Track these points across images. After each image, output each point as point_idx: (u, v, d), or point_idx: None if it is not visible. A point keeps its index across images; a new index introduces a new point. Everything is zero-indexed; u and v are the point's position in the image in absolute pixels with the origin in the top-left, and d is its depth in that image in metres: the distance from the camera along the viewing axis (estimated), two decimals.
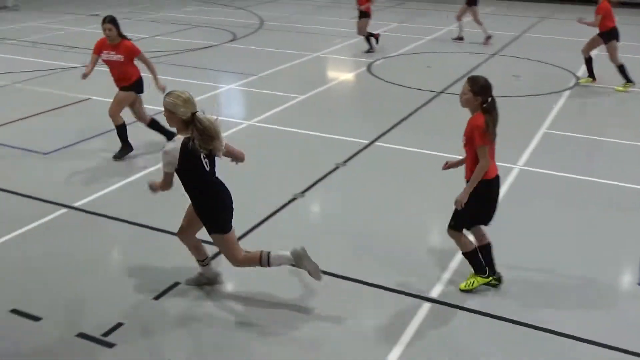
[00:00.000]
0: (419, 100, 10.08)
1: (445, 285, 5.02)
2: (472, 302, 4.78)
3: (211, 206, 4.57)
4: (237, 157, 4.85)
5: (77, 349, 4.25)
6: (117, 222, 6.06)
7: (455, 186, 4.91)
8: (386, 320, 4.59)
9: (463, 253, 4.93)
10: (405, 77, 11.45)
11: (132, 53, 7.49)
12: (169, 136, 7.56)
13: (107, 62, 7.57)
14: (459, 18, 14.49)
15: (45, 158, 7.62)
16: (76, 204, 6.36)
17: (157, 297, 4.83)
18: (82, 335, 4.36)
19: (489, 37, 14.29)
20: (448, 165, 5.09)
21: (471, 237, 4.92)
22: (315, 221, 6.43)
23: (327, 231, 6.03)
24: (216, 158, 4.56)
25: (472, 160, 4.66)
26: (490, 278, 4.95)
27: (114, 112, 7.53)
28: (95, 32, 15.42)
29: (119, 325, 4.48)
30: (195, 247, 4.92)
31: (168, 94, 4.41)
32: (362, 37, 13.50)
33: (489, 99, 4.55)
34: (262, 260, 4.65)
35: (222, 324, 4.53)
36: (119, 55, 7.44)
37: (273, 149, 7.97)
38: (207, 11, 19.10)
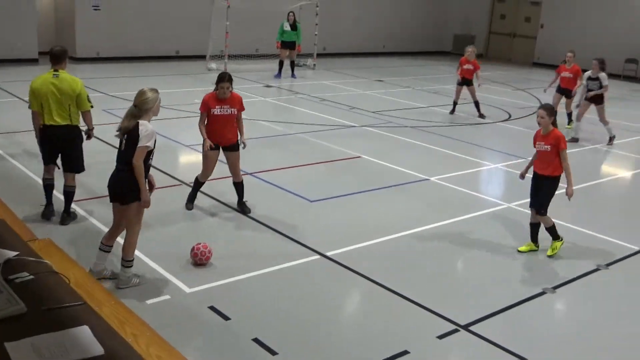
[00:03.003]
0: None
1: None
2: None
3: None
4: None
5: None
6: (361, 277, 6.26)
7: None
8: None
9: (548, 227, 7.00)
10: None
11: (242, 105, 7.44)
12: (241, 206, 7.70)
13: (219, 117, 7.32)
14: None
15: (311, 205, 8.22)
16: (328, 253, 6.73)
17: None
18: None
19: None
20: (523, 174, 7.29)
21: None
22: (562, 322, 5.96)
23: (576, 336, 5.55)
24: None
25: (550, 160, 6.87)
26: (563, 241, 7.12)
27: (239, 173, 7.63)
28: (376, 95, 16.50)
29: None
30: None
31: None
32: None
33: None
34: None
35: None
36: (233, 108, 7.33)
37: (527, 238, 7.62)
38: (486, 89, 19.17)
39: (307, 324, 5.40)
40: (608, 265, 6.98)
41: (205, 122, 7.42)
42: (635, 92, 20.61)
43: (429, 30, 26.82)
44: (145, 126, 5.45)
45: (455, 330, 5.39)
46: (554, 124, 6.97)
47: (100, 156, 8.78)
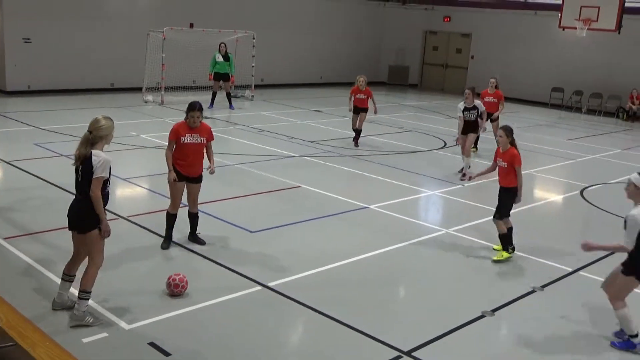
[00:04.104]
0: None
1: None
2: None
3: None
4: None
5: None
6: (304, 307, 6.24)
7: None
8: None
9: (501, 235, 7.62)
10: (623, 207, 10.66)
11: (211, 135, 7.48)
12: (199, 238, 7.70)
13: (189, 146, 7.29)
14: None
15: (252, 236, 8.16)
16: (270, 284, 6.68)
17: None
18: None
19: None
20: (476, 176, 8.47)
21: None
22: (502, 345, 6.07)
23: (516, 358, 5.66)
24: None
25: (506, 174, 7.65)
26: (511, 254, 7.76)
27: (197, 204, 7.64)
28: (314, 125, 16.64)
29: None
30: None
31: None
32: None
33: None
34: None
35: None
36: (203, 137, 7.35)
37: (468, 261, 7.77)
38: (422, 117, 19.65)
39: (249, 357, 5.32)
40: (543, 287, 7.17)
41: (173, 151, 7.35)
42: (561, 119, 21.48)
43: (365, 61, 27.33)
44: (98, 156, 5.45)
45: (399, 357, 5.41)
46: (512, 143, 7.71)
47: (33, 192, 8.51)
